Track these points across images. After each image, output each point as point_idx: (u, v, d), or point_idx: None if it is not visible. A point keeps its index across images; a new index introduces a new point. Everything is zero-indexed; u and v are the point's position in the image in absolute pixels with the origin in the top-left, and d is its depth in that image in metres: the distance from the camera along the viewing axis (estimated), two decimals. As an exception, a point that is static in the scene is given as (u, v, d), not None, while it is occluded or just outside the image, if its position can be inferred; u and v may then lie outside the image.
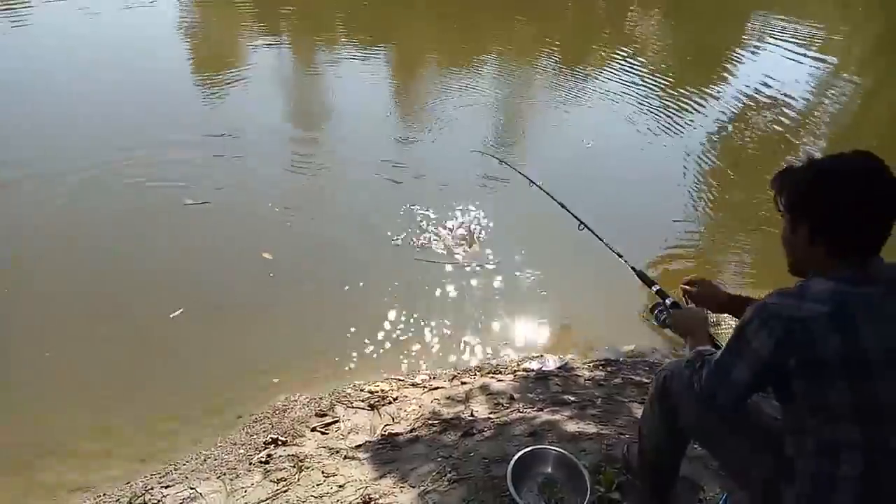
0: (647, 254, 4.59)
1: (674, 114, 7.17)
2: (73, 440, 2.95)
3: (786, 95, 7.83)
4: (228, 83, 7.17)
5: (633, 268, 2.30)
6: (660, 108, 7.30)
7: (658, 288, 2.12)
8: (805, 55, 9.65)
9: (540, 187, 2.87)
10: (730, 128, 7.10)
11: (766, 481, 1.57)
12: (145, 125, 5.82)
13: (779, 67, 9.02)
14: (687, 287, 2.04)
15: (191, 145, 5.56)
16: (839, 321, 1.34)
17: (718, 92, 8.00)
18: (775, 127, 7.12)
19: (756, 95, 7.83)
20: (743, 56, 9.80)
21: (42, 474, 2.78)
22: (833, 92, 8.41)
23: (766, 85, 8.08)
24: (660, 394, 1.84)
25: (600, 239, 2.57)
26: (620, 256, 2.38)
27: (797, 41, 10.28)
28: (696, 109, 7.34)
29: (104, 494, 2.64)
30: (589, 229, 2.69)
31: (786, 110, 7.46)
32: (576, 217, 2.88)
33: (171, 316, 3.66)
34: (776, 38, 10.42)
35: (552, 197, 2.87)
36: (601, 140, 6.49)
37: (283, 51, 8.89)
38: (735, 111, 7.44)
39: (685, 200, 5.49)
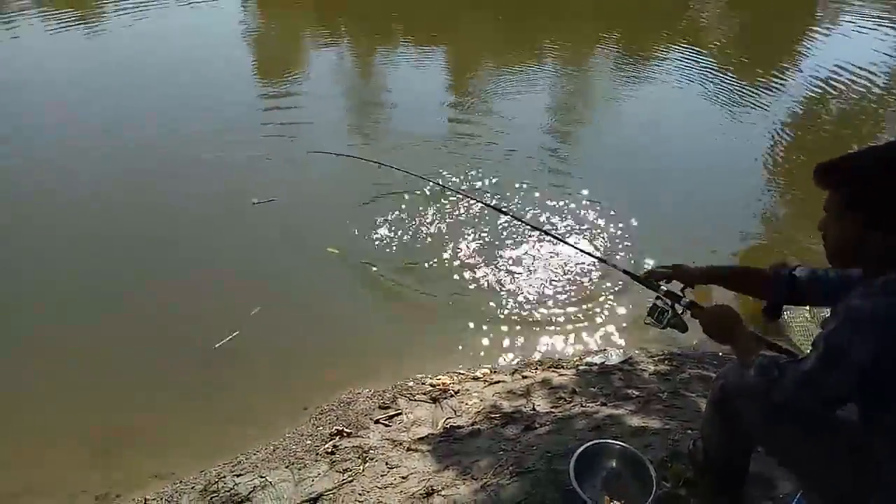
0: (726, 238, 4.62)
1: (750, 94, 7.08)
2: (152, 431, 3.11)
3: (866, 75, 7.54)
4: (292, 81, 7.41)
5: (627, 271, 2.20)
6: (736, 89, 7.25)
7: (665, 289, 2.02)
8: (883, 35, 9.18)
9: (464, 194, 2.95)
10: (809, 108, 6.92)
11: (848, 489, 1.50)
12: (208, 126, 6.06)
13: (855, 47, 8.63)
14: (661, 271, 2.03)
15: (254, 143, 5.77)
16: None
17: (793, 73, 7.83)
18: (858, 108, 6.88)
19: (831, 77, 7.54)
20: (817, 36, 9.42)
21: (123, 462, 2.93)
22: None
23: (840, 67, 7.75)
24: (719, 402, 1.81)
25: (568, 244, 2.65)
26: (604, 261, 2.40)
27: (872, 20, 9.81)
28: (773, 89, 7.23)
29: (181, 481, 2.77)
30: (558, 239, 2.77)
31: (866, 91, 7.17)
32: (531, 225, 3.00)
33: (251, 314, 3.78)
34: (850, 19, 9.98)
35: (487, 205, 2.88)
36: (675, 126, 6.50)
37: (343, 50, 9.10)
38: (811, 92, 7.22)
39: (765, 184, 5.44)
